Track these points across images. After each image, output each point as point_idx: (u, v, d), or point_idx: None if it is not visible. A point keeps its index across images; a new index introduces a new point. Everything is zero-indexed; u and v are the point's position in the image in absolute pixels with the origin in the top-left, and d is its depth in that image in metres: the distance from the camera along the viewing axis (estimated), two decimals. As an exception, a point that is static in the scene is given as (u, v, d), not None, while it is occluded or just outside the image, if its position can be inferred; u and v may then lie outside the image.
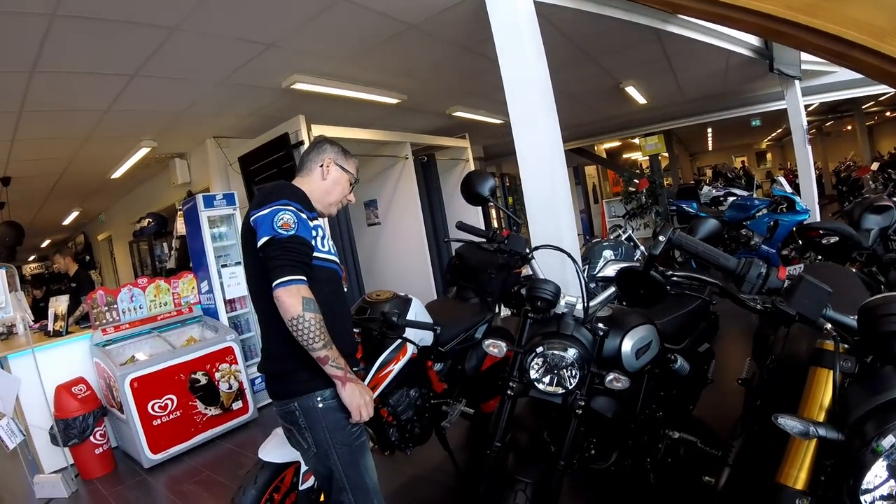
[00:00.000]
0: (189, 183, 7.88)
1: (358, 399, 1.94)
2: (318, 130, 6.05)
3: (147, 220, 9.27)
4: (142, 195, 9.75)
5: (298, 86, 5.51)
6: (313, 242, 1.98)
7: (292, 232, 1.89)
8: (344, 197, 2.31)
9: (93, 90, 4.81)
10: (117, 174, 7.95)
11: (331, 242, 2.14)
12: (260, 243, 1.90)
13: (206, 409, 4.97)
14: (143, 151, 6.97)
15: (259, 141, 6.63)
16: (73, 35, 3.74)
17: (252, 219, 1.98)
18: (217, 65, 4.84)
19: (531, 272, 2.71)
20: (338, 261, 2.16)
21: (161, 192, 8.97)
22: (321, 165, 2.23)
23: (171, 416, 4.73)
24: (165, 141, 6.91)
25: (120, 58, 4.28)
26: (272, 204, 1.93)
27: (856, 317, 1.39)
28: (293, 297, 1.82)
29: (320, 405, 1.97)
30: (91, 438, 4.49)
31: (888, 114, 20.11)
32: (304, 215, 1.96)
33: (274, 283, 1.85)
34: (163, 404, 4.68)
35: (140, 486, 4.29)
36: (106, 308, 5.04)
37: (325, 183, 2.23)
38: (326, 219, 2.38)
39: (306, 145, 5.96)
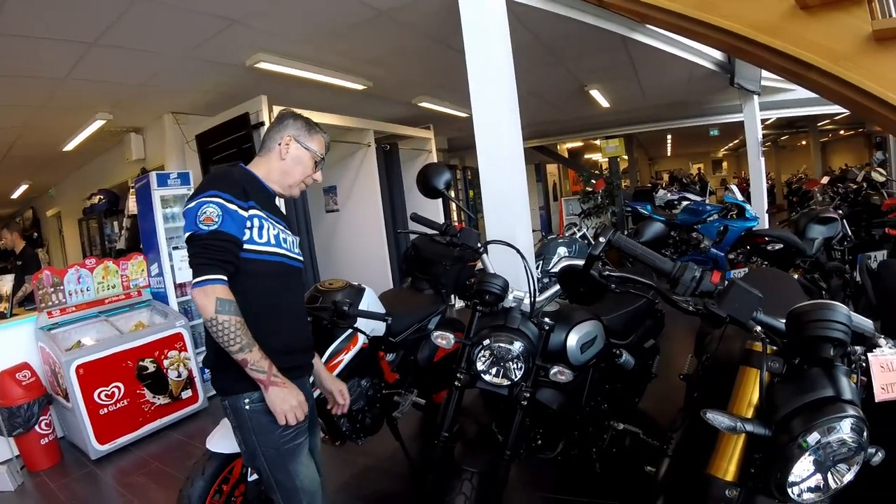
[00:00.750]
0: (143, 159, 7.66)
1: (282, 404, 1.85)
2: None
3: (98, 196, 8.95)
4: (94, 170, 9.42)
5: (262, 65, 5.43)
6: (247, 234, 1.88)
7: (214, 227, 1.79)
8: (307, 177, 2.15)
9: (49, 57, 4.64)
10: (70, 147, 7.69)
11: (273, 232, 1.98)
12: (184, 238, 1.87)
13: (154, 397, 4.83)
14: (98, 123, 6.73)
15: (218, 119, 6.46)
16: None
17: (183, 211, 1.95)
18: (180, 38, 4.73)
19: (483, 266, 2.76)
20: (288, 252, 2.05)
21: (114, 168, 8.68)
22: (279, 144, 2.08)
23: (119, 405, 4.56)
24: (122, 114, 6.71)
25: (80, 24, 4.14)
26: (199, 196, 1.84)
27: (785, 320, 1.47)
28: (207, 299, 1.75)
29: (247, 407, 1.90)
30: (36, 428, 4.29)
31: (842, 132, 20.78)
32: (233, 206, 1.83)
33: (192, 283, 1.80)
34: (109, 392, 4.51)
35: (87, 478, 4.17)
36: (52, 289, 4.83)
37: (283, 163, 2.08)
38: (283, 204, 2.27)
39: (267, 126, 5.94)
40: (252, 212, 1.90)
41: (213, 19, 4.42)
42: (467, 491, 2.17)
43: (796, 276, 3.80)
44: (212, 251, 1.78)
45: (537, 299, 2.40)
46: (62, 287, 4.91)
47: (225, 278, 1.79)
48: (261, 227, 1.92)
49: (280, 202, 2.25)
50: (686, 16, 3.24)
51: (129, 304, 5.38)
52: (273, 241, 1.97)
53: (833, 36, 2.74)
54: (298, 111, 2.21)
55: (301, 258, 2.17)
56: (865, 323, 1.46)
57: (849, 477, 1.31)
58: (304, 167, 2.12)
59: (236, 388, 1.89)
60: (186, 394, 5.11)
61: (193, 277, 1.79)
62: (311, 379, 2.31)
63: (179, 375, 5.07)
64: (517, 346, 2.24)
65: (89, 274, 5.12)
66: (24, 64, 4.74)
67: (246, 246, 1.88)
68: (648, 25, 5.11)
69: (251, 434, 1.92)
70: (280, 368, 1.89)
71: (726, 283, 1.50)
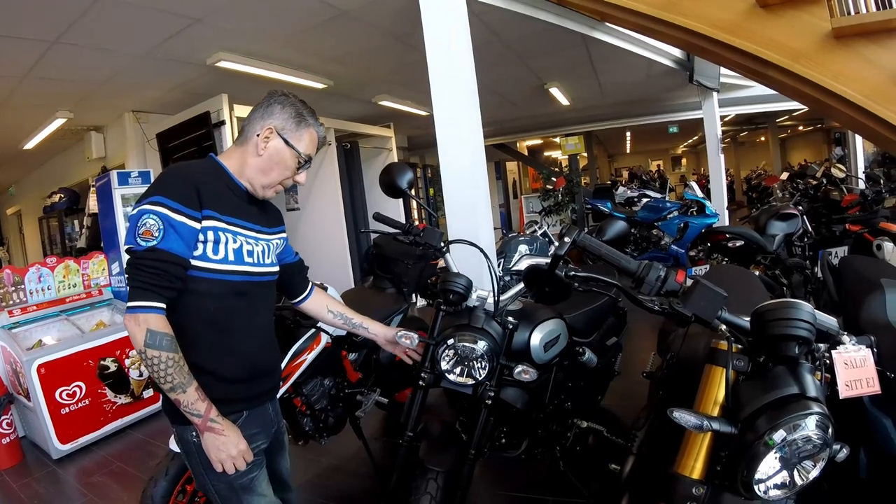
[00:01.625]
0: (104, 158, 7.58)
1: (219, 453, 1.61)
2: (241, 111, 5.94)
3: (58, 195, 8.79)
4: (54, 169, 9.29)
5: (223, 64, 5.38)
6: (199, 249, 1.61)
7: (152, 244, 1.51)
8: (286, 179, 1.82)
9: (9, 54, 4.57)
10: (30, 145, 7.59)
11: (234, 246, 1.69)
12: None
13: (115, 397, 4.78)
14: (58, 122, 6.66)
15: (179, 118, 6.43)
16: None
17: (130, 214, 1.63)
18: (141, 37, 4.68)
19: (446, 265, 2.75)
20: (253, 267, 1.75)
21: (74, 167, 8.55)
22: (258, 135, 1.75)
23: (80, 405, 4.52)
24: (82, 112, 6.63)
25: (41, 22, 4.09)
26: (144, 201, 1.57)
27: (749, 319, 1.48)
28: (137, 328, 1.51)
29: (194, 440, 1.65)
30: None
31: (800, 128, 21.23)
32: (180, 217, 1.55)
33: (125, 306, 1.55)
34: (71, 392, 4.47)
35: (49, 477, 4.11)
36: (13, 288, 4.77)
37: (259, 160, 1.75)
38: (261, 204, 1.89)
39: (228, 125, 5.79)
40: (207, 222, 1.61)
41: (175, 18, 4.37)
42: (433, 490, 2.16)
43: (757, 273, 3.86)
44: (148, 273, 1.52)
45: (501, 298, 2.38)
46: (23, 286, 4.84)
47: (162, 306, 1.54)
48: (217, 242, 1.63)
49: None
50: (647, 15, 3.26)
51: (90, 304, 5.32)
52: (232, 256, 1.68)
53: (793, 34, 2.79)
54: (292, 94, 1.86)
55: (274, 268, 1.89)
56: (829, 321, 1.48)
57: (814, 473, 1.32)
58: (284, 167, 1.79)
59: (182, 419, 1.62)
60: (148, 393, 5.06)
61: (127, 300, 1.54)
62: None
63: (141, 375, 5.01)
64: (481, 346, 2.23)
65: (50, 273, 5.05)
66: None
67: (197, 263, 1.61)
68: (608, 23, 5.14)
69: (200, 468, 1.69)
70: (242, 398, 1.73)
71: (691, 282, 1.50)
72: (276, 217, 2.00)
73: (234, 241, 1.69)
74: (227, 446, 1.61)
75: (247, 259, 1.72)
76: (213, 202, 1.64)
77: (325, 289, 3.25)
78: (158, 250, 1.52)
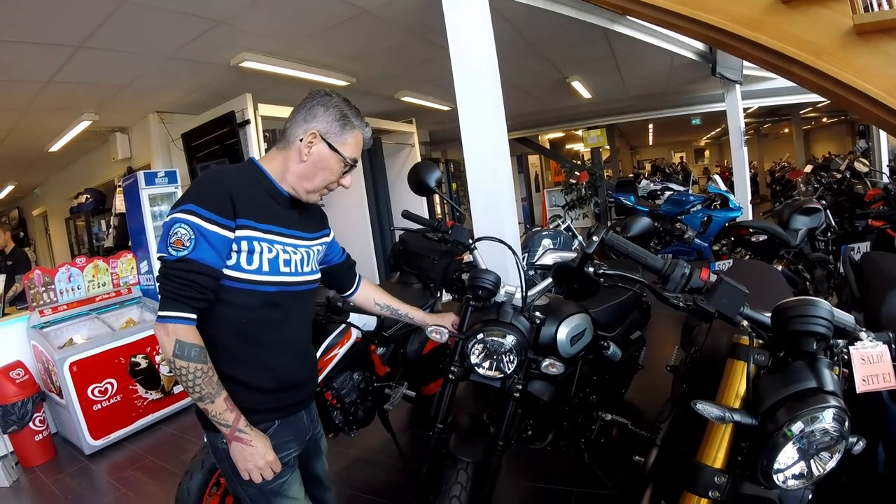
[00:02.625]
0: (129, 159, 7.68)
1: (246, 463, 1.60)
2: (265, 110, 5.99)
3: (85, 195, 8.92)
4: (80, 170, 9.41)
5: (247, 64, 5.44)
6: (233, 259, 1.58)
7: (183, 253, 1.49)
8: (332, 183, 1.76)
9: (35, 61, 4.66)
10: (56, 147, 7.68)
11: (270, 256, 1.64)
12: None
13: (146, 393, 4.87)
14: (83, 124, 6.74)
15: (204, 118, 6.48)
16: (20, 3, 3.64)
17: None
18: (165, 39, 4.74)
19: (473, 261, 2.80)
20: (291, 277, 1.70)
21: (100, 168, 8.69)
22: (301, 139, 1.68)
23: (112, 401, 4.60)
24: (107, 114, 6.73)
25: (66, 28, 4.16)
26: (177, 209, 1.54)
27: (770, 315, 1.53)
28: (167, 338, 1.50)
29: (224, 446, 1.63)
30: (30, 425, 4.32)
31: (824, 120, 20.94)
32: (212, 227, 1.52)
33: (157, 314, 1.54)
34: (102, 389, 4.55)
35: (82, 472, 4.19)
36: (43, 288, 4.85)
37: (303, 165, 1.69)
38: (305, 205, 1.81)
39: (252, 124, 5.85)
40: (242, 232, 1.58)
41: (198, 20, 4.43)
42: (463, 480, 2.21)
43: (780, 268, 3.87)
44: (178, 284, 1.50)
45: (528, 294, 2.44)
46: (53, 286, 4.92)
47: (192, 316, 1.53)
48: (251, 252, 1.60)
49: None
50: (669, 10, 3.27)
51: (120, 302, 5.40)
52: (267, 266, 1.63)
53: (815, 30, 2.80)
54: (335, 93, 1.76)
55: (315, 276, 1.85)
56: (847, 318, 1.52)
57: (831, 465, 1.36)
58: (329, 172, 1.72)
59: (212, 426, 1.61)
60: (178, 389, 5.12)
61: (158, 308, 1.53)
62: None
63: (171, 371, 5.01)
64: (510, 340, 2.28)
65: (80, 273, 5.13)
66: (9, 69, 4.76)
67: (230, 273, 1.58)
68: (629, 17, 5.14)
69: (230, 473, 1.68)
70: (274, 409, 1.72)
71: (714, 279, 1.55)
72: (321, 221, 1.96)
73: (270, 251, 1.64)
74: (254, 457, 1.59)
75: (283, 269, 1.68)
76: (248, 210, 1.60)
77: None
78: (189, 261, 1.50)
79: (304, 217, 1.82)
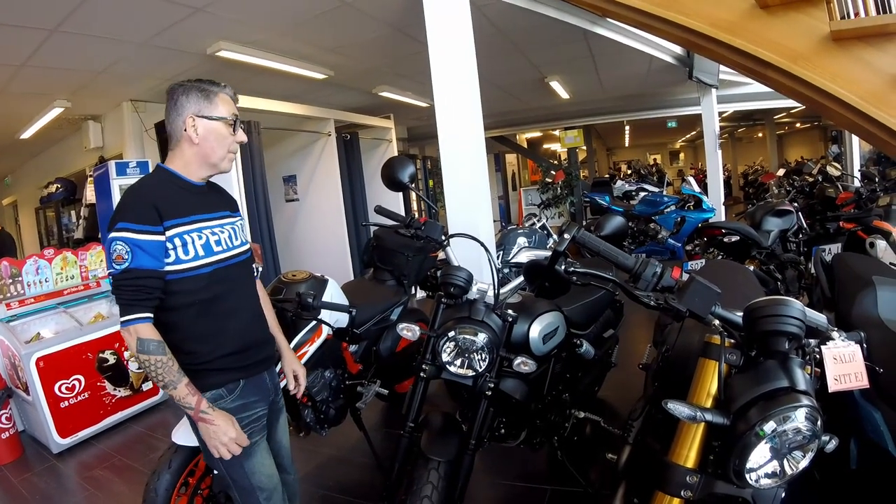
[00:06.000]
0: (101, 148, 7.51)
1: (211, 440, 1.78)
2: (241, 101, 5.85)
3: (55, 185, 8.68)
4: (51, 158, 9.22)
5: (224, 53, 5.36)
6: (171, 256, 1.76)
7: (125, 265, 1.69)
8: (231, 144, 1.94)
9: (8, 44, 4.53)
10: (27, 134, 7.50)
11: (201, 242, 1.84)
12: None
13: (115, 390, 4.74)
14: (56, 111, 6.60)
15: (179, 107, 6.36)
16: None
17: None
18: (141, 25, 4.63)
19: (446, 258, 2.78)
20: (224, 253, 1.90)
21: (71, 157, 8.48)
22: (185, 129, 1.87)
23: (80, 398, 4.48)
24: (80, 101, 6.57)
25: (40, 11, 4.05)
26: (112, 230, 1.72)
27: (742, 314, 1.53)
28: (130, 338, 1.71)
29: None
30: None
31: (798, 125, 21.23)
32: (144, 236, 1.70)
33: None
34: (70, 385, 4.43)
35: (50, 472, 4.10)
36: (10, 280, 4.69)
37: (197, 147, 1.88)
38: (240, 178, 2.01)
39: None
40: (171, 231, 1.76)
41: (176, 7, 4.34)
42: (434, 480, 2.18)
43: (752, 268, 3.90)
44: (128, 291, 1.71)
45: (501, 291, 2.43)
46: (20, 278, 4.77)
47: (146, 315, 1.72)
48: (184, 245, 1.79)
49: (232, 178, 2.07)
50: (647, 12, 3.27)
51: (88, 295, 5.24)
52: (202, 251, 1.83)
53: (792, 35, 2.81)
54: (185, 80, 1.93)
55: (245, 247, 2.05)
56: (818, 317, 1.52)
57: (804, 464, 1.37)
58: (222, 138, 1.90)
59: None
60: (147, 386, 5.02)
61: (119, 315, 1.73)
62: (279, 367, 2.27)
63: (140, 367, 4.94)
64: (482, 338, 2.27)
65: (48, 265, 4.97)
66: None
67: (172, 268, 1.77)
68: (609, 19, 5.16)
69: (204, 447, 1.86)
70: (238, 368, 1.90)
71: (686, 278, 1.55)
72: (233, 203, 2.14)
73: (200, 238, 1.84)
74: (217, 434, 1.78)
75: (216, 248, 1.88)
76: (172, 211, 1.78)
77: (326, 281, 3.29)
78: (131, 269, 1.70)
79: (221, 199, 2.05)
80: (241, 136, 1.98)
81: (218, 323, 1.88)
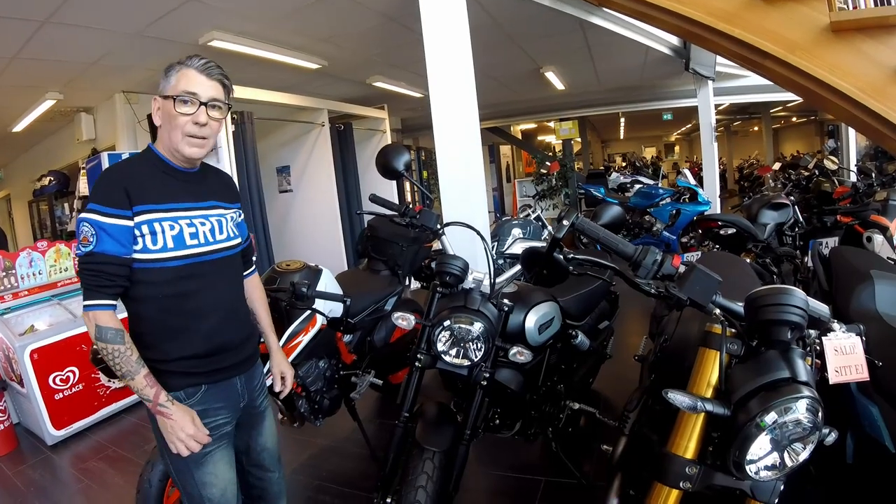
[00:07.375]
0: (94, 140, 7.44)
1: (168, 435, 1.70)
2: (234, 91, 5.86)
3: (48, 178, 8.68)
4: (44, 151, 9.15)
5: (216, 43, 5.31)
6: (139, 244, 1.68)
7: (89, 248, 1.63)
8: (186, 125, 1.75)
9: (-1, 36, 4.49)
10: (19, 127, 7.45)
11: (173, 233, 1.73)
12: None
13: (109, 381, 4.70)
14: (48, 103, 6.55)
15: (171, 99, 6.31)
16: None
17: None
18: (133, 15, 4.58)
19: (442, 247, 2.76)
20: (199, 248, 1.79)
21: (64, 149, 8.41)
22: (156, 112, 1.82)
23: (74, 390, 4.46)
24: (72, 93, 6.51)
25: (31, 2, 4.01)
26: (83, 210, 1.67)
27: (743, 304, 1.51)
28: (90, 324, 1.65)
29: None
30: None
31: (794, 119, 21.30)
32: (110, 220, 1.63)
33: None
34: (64, 377, 4.41)
35: (45, 464, 4.08)
36: (3, 273, 4.68)
37: (161, 128, 1.81)
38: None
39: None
40: (142, 217, 1.68)
41: (169, -4, 4.28)
42: (429, 470, 2.17)
43: (748, 261, 3.90)
44: (90, 275, 1.64)
45: (497, 281, 2.41)
46: (14, 271, 4.76)
47: (108, 303, 1.66)
48: (153, 234, 1.69)
49: (224, 168, 1.98)
50: (644, 1, 3.26)
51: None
52: (172, 243, 1.72)
53: (790, 25, 2.80)
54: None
55: (232, 242, 1.92)
56: (821, 308, 1.51)
57: (804, 456, 1.35)
58: (177, 121, 1.74)
59: None
60: (141, 377, 4.97)
61: (83, 299, 1.68)
62: (267, 368, 2.23)
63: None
64: (477, 327, 2.26)
65: (41, 257, 4.95)
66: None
67: (139, 256, 1.68)
68: (605, 9, 5.13)
69: (160, 445, 1.80)
70: (200, 373, 1.79)
71: (686, 266, 1.53)
72: (232, 193, 2.05)
73: (173, 228, 1.74)
74: (174, 430, 1.69)
75: (189, 242, 1.77)
76: (144, 195, 1.70)
77: (321, 271, 3.27)
78: (95, 254, 1.63)
79: (215, 188, 1.95)
80: (202, 117, 1.77)
81: (183, 321, 1.77)
